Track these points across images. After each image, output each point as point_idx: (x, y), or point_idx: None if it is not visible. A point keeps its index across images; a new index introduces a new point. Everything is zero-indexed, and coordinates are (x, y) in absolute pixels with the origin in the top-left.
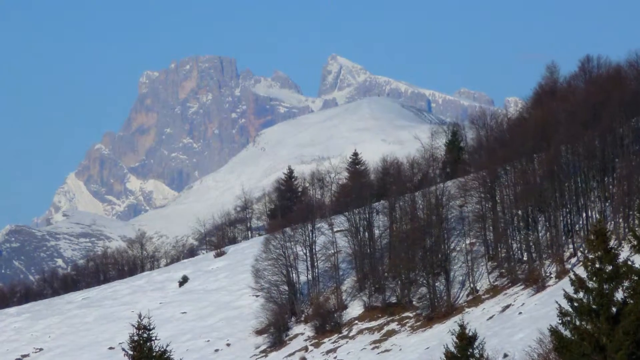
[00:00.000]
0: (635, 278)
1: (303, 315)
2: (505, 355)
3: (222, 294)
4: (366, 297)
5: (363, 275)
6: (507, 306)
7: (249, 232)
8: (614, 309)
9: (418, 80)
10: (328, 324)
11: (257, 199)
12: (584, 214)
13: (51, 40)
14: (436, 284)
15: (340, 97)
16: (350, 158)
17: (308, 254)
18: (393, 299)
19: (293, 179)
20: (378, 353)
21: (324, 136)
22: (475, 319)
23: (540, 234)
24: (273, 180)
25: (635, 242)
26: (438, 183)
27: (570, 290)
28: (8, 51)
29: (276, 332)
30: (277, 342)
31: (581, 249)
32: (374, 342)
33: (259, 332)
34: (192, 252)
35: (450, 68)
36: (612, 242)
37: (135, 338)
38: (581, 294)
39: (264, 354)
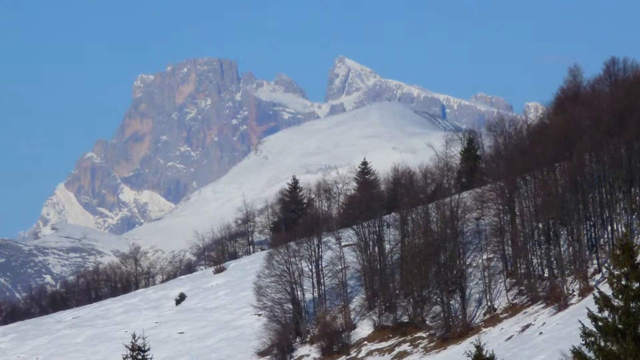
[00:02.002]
0: None
1: (308, 336)
2: None
3: (222, 313)
4: (376, 316)
5: (373, 293)
6: (527, 326)
7: (251, 247)
8: None
9: (431, 84)
10: (335, 344)
11: (259, 211)
12: (609, 227)
13: (37, 41)
14: (451, 302)
15: (348, 102)
16: (359, 167)
17: (314, 270)
18: (405, 318)
19: (298, 190)
20: None
21: (330, 144)
22: (492, 339)
23: (562, 249)
24: (276, 191)
25: None
26: (453, 194)
27: (594, 308)
28: None
29: (280, 353)
30: None
31: (606, 265)
32: None
33: (261, 354)
34: (189, 268)
35: (466, 71)
36: None
37: None
38: (606, 313)
39: None
